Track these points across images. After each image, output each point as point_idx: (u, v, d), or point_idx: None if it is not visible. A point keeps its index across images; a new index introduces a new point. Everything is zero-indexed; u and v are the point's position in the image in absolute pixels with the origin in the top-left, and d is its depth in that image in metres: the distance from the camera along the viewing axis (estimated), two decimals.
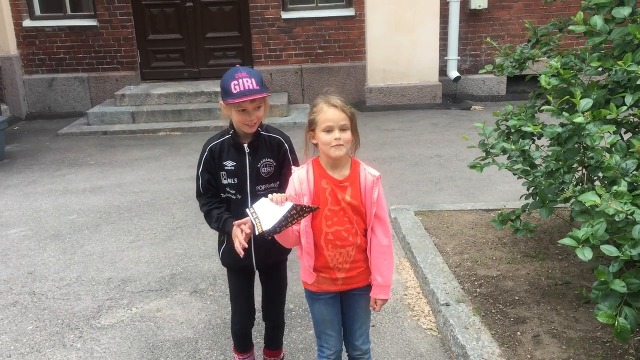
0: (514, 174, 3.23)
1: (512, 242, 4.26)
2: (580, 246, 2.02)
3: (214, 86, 9.10)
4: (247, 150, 2.55)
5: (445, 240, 4.38)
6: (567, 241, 2.08)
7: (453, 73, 9.50)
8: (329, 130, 2.27)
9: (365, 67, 9.46)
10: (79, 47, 9.44)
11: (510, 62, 3.64)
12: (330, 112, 2.28)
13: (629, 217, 1.93)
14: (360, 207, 2.36)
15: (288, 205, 2.23)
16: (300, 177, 2.38)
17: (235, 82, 2.40)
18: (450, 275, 3.79)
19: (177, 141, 7.91)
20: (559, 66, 3.02)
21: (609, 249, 2.00)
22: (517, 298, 3.47)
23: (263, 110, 2.53)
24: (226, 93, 2.44)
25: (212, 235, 4.85)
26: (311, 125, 2.35)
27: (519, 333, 3.12)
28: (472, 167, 3.26)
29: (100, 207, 5.56)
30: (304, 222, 2.35)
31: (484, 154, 3.34)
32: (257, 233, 2.23)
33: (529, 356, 2.92)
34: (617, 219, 1.93)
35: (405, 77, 9.35)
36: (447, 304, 3.43)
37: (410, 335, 3.42)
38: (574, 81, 3.00)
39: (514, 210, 3.53)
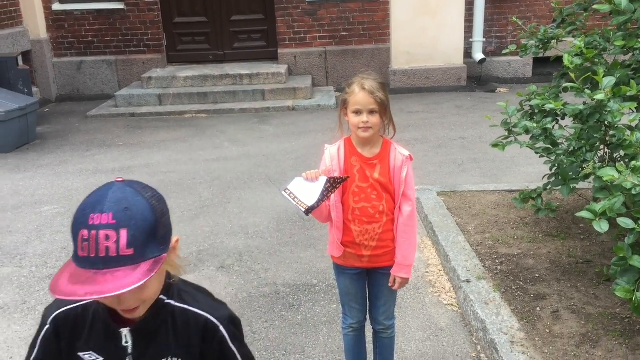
0: (536, 153, 3.26)
1: (534, 222, 4.29)
2: (598, 219, 2.07)
3: (239, 69, 9.19)
4: (126, 339, 1.39)
5: (467, 220, 4.43)
6: (584, 214, 2.12)
7: (478, 55, 9.44)
8: (358, 112, 2.35)
9: (389, 49, 9.45)
10: (106, 30, 9.60)
11: (535, 43, 3.64)
12: (360, 96, 2.34)
13: None
14: (389, 185, 2.42)
15: (323, 179, 2.30)
16: (331, 153, 2.46)
17: (85, 232, 1.22)
18: (472, 253, 3.85)
19: (203, 123, 8.03)
20: (583, 45, 3.03)
21: (625, 222, 2.04)
22: (537, 275, 3.51)
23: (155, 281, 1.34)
24: (74, 246, 1.25)
25: (238, 214, 4.98)
26: (344, 104, 2.44)
27: (538, 309, 3.17)
28: (495, 145, 3.30)
29: None
30: (334, 197, 2.43)
31: (506, 133, 3.38)
32: (303, 211, 2.28)
33: (547, 330, 2.98)
34: (634, 192, 1.97)
35: (429, 59, 9.32)
36: (468, 281, 3.50)
37: (431, 310, 3.49)
38: (597, 60, 3.01)
39: (536, 189, 3.56)
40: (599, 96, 2.47)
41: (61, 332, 1.43)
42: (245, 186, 5.61)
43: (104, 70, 9.72)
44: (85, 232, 1.21)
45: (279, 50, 9.55)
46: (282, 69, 9.11)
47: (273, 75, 8.98)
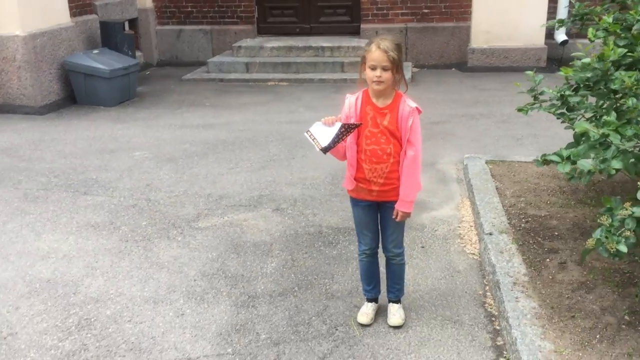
0: (558, 118, 3.52)
1: (572, 190, 4.51)
2: (563, 162, 2.37)
3: (322, 42, 9.68)
4: None
5: (507, 185, 4.70)
6: (553, 157, 2.43)
7: (561, 37, 9.37)
8: (373, 67, 2.73)
9: (469, 28, 9.58)
10: (204, 2, 10.39)
11: (570, 19, 3.85)
12: (376, 53, 2.71)
13: (607, 139, 2.25)
14: (396, 132, 2.82)
15: (338, 124, 2.75)
16: (350, 102, 2.89)
17: None
18: (502, 212, 4.15)
19: (283, 90, 8.62)
20: (610, 20, 3.25)
21: (582, 164, 2.33)
22: (556, 234, 3.79)
23: None
24: None
25: (299, 168, 5.51)
26: (363, 60, 2.82)
27: (548, 260, 3.47)
28: (519, 110, 3.59)
29: (209, 139, 6.39)
30: (350, 139, 2.88)
31: (532, 100, 3.65)
32: (317, 150, 2.76)
33: (550, 277, 3.28)
34: (592, 138, 2.26)
35: (509, 39, 9.37)
36: (490, 233, 3.83)
37: (453, 257, 3.86)
38: (620, 33, 3.22)
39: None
40: (601, 65, 2.71)
41: None
42: (311, 146, 6.09)
43: (200, 39, 10.54)
44: None
45: (362, 25, 9.94)
46: (363, 43, 9.50)
47: (353, 48, 9.40)
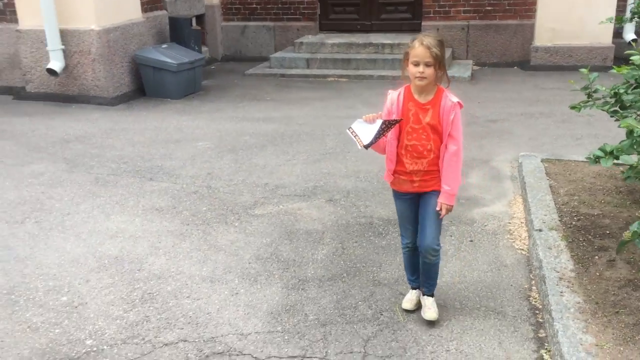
0: (611, 116, 3.50)
1: (629, 191, 4.44)
2: (606, 157, 2.40)
3: (382, 38, 9.76)
4: None
5: (562, 184, 4.68)
6: (597, 152, 2.46)
7: (629, 35, 9.09)
8: (416, 63, 2.79)
9: (533, 25, 9.43)
10: None
11: (629, 17, 3.80)
12: (419, 50, 2.77)
13: None
14: (438, 127, 2.88)
15: (379, 121, 2.82)
16: (392, 98, 2.95)
17: None
18: (553, 209, 4.15)
19: (343, 86, 8.77)
20: None
21: (626, 159, 2.35)
22: (607, 232, 3.77)
23: None
24: None
25: (354, 162, 5.64)
26: (406, 57, 2.86)
27: (596, 257, 3.47)
28: (572, 107, 3.60)
29: (269, 132, 6.62)
30: (390, 135, 2.94)
31: (585, 97, 3.65)
32: (359, 148, 2.84)
33: (597, 274, 3.29)
34: (635, 134, 2.28)
35: (575, 37, 9.16)
36: (540, 230, 3.85)
37: (501, 251, 3.91)
38: None
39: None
40: None
41: None
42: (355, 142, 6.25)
43: (263, 35, 10.82)
44: None
45: (423, 23, 9.95)
46: None
47: None
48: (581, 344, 2.73)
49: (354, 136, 2.85)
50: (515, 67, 9.62)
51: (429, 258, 3.08)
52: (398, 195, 3.13)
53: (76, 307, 3.41)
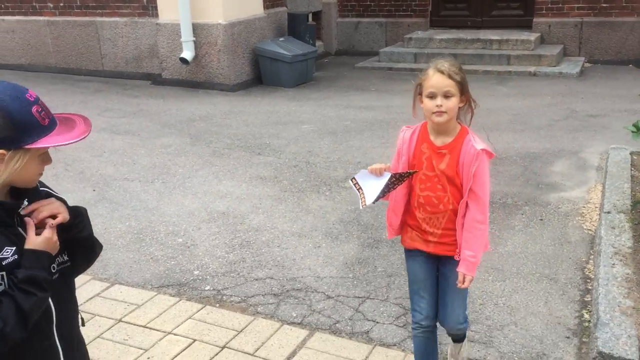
0: None
1: None
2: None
3: (490, 35, 9.89)
4: (25, 204, 1.59)
5: None
6: (630, 127, 2.70)
7: None
8: (432, 96, 2.23)
9: None
10: None
11: None
12: (434, 78, 2.23)
13: None
14: (456, 178, 2.29)
15: (387, 175, 2.28)
16: (405, 137, 2.41)
17: (37, 107, 1.53)
18: (628, 196, 4.29)
19: None
20: None
21: None
22: None
23: None
24: (29, 129, 1.50)
25: None
26: (418, 89, 2.34)
27: None
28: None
29: (368, 119, 7.12)
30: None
31: None
32: (361, 207, 2.33)
33: None
34: None
35: None
36: (609, 212, 4.04)
37: (569, 230, 4.14)
38: None
39: None
40: None
41: None
42: None
43: (375, 31, 11.33)
44: (37, 107, 1.52)
45: (534, 19, 9.95)
46: (533, 37, 9.55)
47: (522, 42, 9.49)
48: (618, 306, 2.99)
49: (357, 189, 2.33)
50: (630, 65, 9.36)
51: (456, 333, 2.62)
52: (409, 253, 2.51)
53: (189, 247, 4.15)
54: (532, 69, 9.05)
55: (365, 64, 10.28)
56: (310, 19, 10.45)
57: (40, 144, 1.51)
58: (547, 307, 3.26)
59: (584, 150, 5.72)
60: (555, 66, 9.11)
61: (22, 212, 1.58)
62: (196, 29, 8.71)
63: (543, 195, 4.74)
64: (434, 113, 2.23)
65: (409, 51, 10.09)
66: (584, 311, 3.20)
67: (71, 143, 1.55)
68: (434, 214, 2.35)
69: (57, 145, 1.53)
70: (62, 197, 1.73)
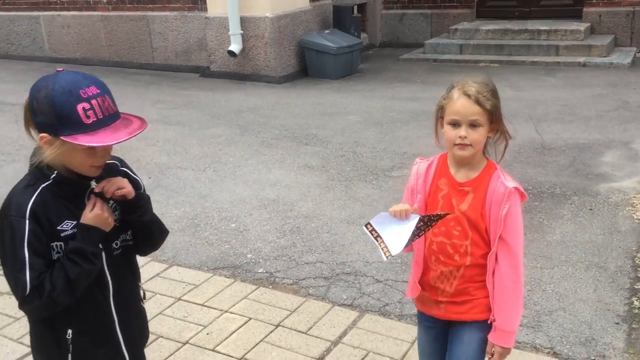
0: None
1: None
2: None
3: (538, 25, 9.75)
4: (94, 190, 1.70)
5: None
6: None
7: None
8: (455, 124, 1.85)
9: None
10: None
11: None
12: (459, 103, 1.84)
13: None
14: (479, 222, 1.90)
15: (414, 218, 1.85)
16: (419, 171, 2.02)
17: (85, 104, 1.56)
18: None
19: (492, 71, 8.98)
20: None
21: None
22: None
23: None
24: (67, 122, 1.56)
25: None
26: (440, 113, 1.94)
27: None
28: None
29: (413, 110, 7.16)
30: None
31: None
32: (385, 258, 1.86)
33: None
34: None
35: None
36: None
37: (619, 220, 4.12)
38: None
39: None
40: None
41: (40, 219, 1.62)
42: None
43: (420, 22, 11.31)
44: (86, 104, 1.55)
45: (584, 9, 9.77)
46: (582, 26, 9.38)
47: (571, 32, 9.33)
48: None
49: (375, 237, 1.88)
50: None
51: None
52: (421, 318, 2.16)
53: (241, 232, 4.30)
54: (581, 59, 8.89)
55: (410, 56, 10.28)
56: (355, 11, 10.52)
57: (75, 139, 1.55)
58: (596, 294, 3.28)
59: (635, 141, 5.64)
60: (605, 56, 8.94)
61: (96, 190, 1.72)
62: (244, 22, 8.88)
63: (592, 185, 4.71)
64: (456, 145, 1.85)
65: (455, 42, 10.04)
66: (634, 298, 3.21)
67: (100, 146, 1.59)
68: (446, 265, 1.95)
69: (88, 146, 1.57)
70: (138, 178, 1.89)
